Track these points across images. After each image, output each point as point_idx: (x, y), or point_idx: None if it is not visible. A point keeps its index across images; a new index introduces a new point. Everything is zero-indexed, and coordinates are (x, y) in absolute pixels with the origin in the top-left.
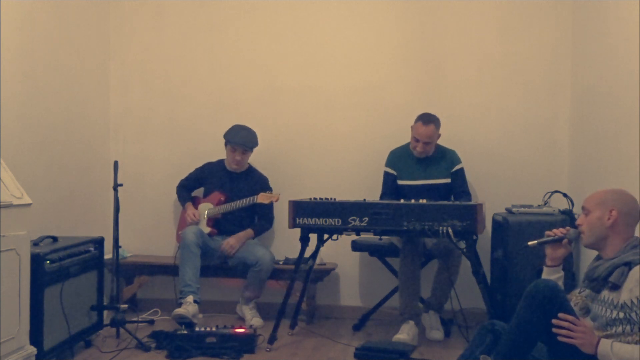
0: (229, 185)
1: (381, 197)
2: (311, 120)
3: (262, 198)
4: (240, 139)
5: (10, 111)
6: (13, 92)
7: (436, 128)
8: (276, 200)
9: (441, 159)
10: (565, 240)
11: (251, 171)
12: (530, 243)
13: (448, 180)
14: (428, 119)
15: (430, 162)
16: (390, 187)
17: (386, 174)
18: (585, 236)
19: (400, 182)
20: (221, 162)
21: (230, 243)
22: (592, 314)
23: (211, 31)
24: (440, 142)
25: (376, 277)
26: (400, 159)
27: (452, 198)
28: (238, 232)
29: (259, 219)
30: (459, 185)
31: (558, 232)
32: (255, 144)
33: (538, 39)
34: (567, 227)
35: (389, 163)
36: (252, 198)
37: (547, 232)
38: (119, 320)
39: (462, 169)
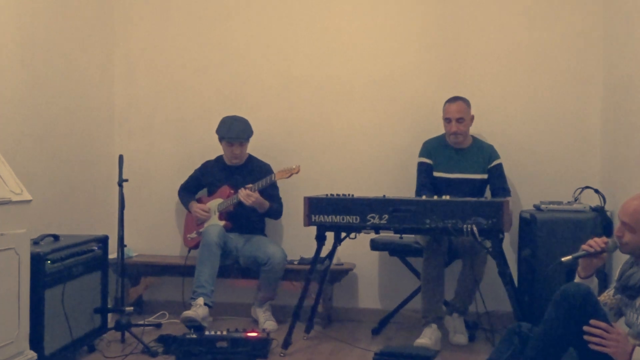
0: (232, 179)
1: (418, 190)
2: (327, 113)
3: (280, 174)
4: (235, 132)
5: (9, 103)
6: (12, 83)
7: (466, 105)
8: (297, 172)
9: (478, 153)
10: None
11: (252, 161)
12: (564, 259)
13: (485, 176)
14: (454, 97)
15: (467, 155)
16: (428, 177)
17: (421, 164)
18: (629, 249)
19: (435, 173)
20: (220, 158)
21: (247, 192)
22: (626, 321)
23: (221, 18)
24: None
25: (396, 278)
26: (435, 149)
27: (488, 195)
28: (250, 226)
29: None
30: (497, 182)
31: (595, 245)
32: (251, 132)
33: (568, 26)
34: (605, 238)
35: (423, 153)
36: (268, 178)
37: (583, 247)
38: (124, 323)
39: (500, 165)
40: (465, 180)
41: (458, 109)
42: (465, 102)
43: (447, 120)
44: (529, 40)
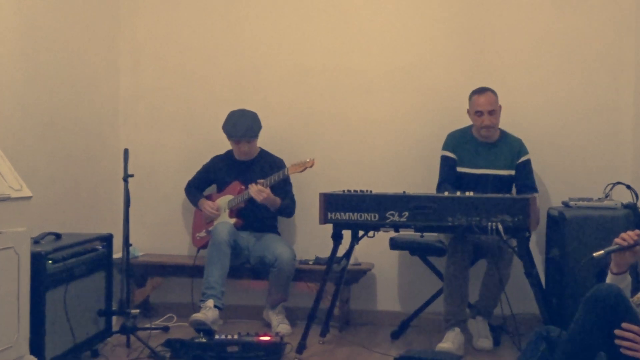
0: (243, 175)
1: (439, 186)
2: (344, 104)
3: (293, 169)
4: (241, 131)
5: (9, 95)
6: (12, 74)
7: (495, 96)
8: (311, 166)
9: (506, 147)
10: (638, 247)
11: (263, 156)
12: (596, 254)
13: (512, 172)
14: (482, 89)
15: (494, 149)
16: (450, 172)
17: (445, 158)
18: None
19: (459, 168)
20: (229, 152)
21: (259, 187)
22: None
23: (232, 6)
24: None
25: (417, 279)
26: (460, 142)
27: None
28: (262, 224)
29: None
30: (524, 179)
31: (628, 238)
32: (258, 128)
33: (599, 12)
34: (638, 231)
35: (447, 146)
36: (280, 172)
37: (616, 240)
38: (129, 327)
39: (529, 161)
40: (492, 176)
41: (489, 101)
42: (494, 92)
43: (478, 113)
44: (558, 26)
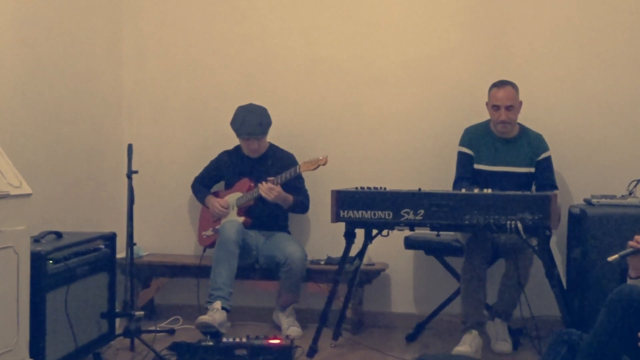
0: (252, 171)
1: (456, 183)
2: (357, 98)
3: (305, 166)
4: (249, 128)
5: (8, 87)
6: (11, 65)
7: (515, 90)
8: (324, 164)
9: (526, 143)
10: None
11: (273, 150)
12: (610, 258)
13: (532, 170)
14: (502, 82)
15: (513, 146)
16: (467, 169)
17: (461, 154)
18: None
19: (476, 165)
20: (238, 147)
21: (269, 185)
22: None
23: None
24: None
25: (433, 280)
26: (477, 138)
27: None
28: (272, 223)
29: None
30: (545, 177)
31: None
32: (268, 124)
33: (622, 2)
34: None
35: (464, 142)
36: (292, 170)
37: (630, 243)
38: (133, 329)
39: (549, 158)
40: (510, 174)
41: (507, 95)
42: (514, 87)
43: (495, 107)
44: (579, 17)
